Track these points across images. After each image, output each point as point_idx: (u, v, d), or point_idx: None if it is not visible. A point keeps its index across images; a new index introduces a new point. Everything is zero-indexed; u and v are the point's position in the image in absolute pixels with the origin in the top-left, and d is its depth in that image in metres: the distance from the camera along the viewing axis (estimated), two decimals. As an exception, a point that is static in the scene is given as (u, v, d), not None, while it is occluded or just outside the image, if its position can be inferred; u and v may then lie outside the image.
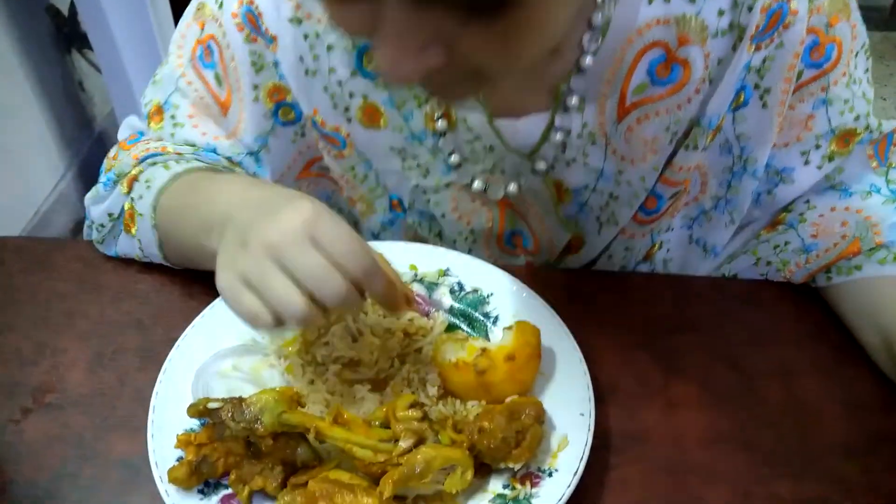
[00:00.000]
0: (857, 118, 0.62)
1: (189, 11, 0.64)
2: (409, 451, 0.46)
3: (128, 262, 0.66)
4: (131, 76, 1.75)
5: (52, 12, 1.85)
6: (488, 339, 0.57)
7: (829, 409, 0.56)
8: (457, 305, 0.60)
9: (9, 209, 1.71)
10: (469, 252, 0.65)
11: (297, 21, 0.58)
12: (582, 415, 0.50)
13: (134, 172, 0.62)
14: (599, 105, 0.59)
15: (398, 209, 0.68)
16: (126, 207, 0.62)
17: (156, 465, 0.47)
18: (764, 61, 0.58)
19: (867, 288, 0.61)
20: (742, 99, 0.60)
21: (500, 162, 0.62)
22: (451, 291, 0.61)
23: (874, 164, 0.64)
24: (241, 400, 0.46)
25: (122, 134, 0.69)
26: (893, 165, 0.65)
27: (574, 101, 0.58)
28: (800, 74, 0.59)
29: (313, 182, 0.69)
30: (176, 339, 0.56)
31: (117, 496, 0.49)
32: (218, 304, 0.58)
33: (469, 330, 0.59)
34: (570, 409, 0.51)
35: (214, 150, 0.64)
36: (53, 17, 1.86)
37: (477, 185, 0.63)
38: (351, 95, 0.61)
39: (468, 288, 0.61)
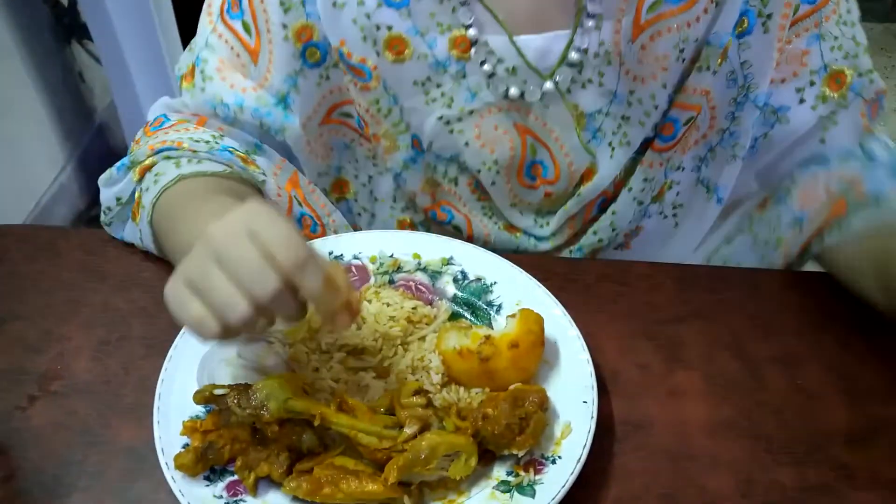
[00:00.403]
0: (846, 56, 0.65)
1: None
2: (413, 437, 0.46)
3: (132, 250, 0.66)
4: (131, 67, 1.75)
5: (52, 2, 1.85)
6: (492, 328, 0.58)
7: (830, 398, 0.56)
8: (460, 294, 0.61)
9: (9, 200, 1.71)
10: (492, 185, 0.67)
11: None
12: (585, 402, 0.51)
13: (147, 162, 0.63)
14: (616, 22, 0.61)
15: (419, 148, 0.68)
16: (136, 196, 0.63)
17: (162, 452, 0.47)
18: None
19: (859, 238, 0.62)
20: (746, 25, 0.63)
21: (522, 85, 0.64)
22: (455, 280, 0.61)
23: (865, 122, 0.69)
24: (247, 386, 0.46)
25: (152, 114, 0.70)
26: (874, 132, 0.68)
27: (592, 19, 0.61)
28: (796, 9, 0.62)
29: (335, 129, 0.70)
30: (180, 328, 0.56)
31: (123, 483, 0.49)
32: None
33: (472, 318, 0.59)
34: (572, 396, 0.51)
35: (241, 105, 0.65)
36: (53, 7, 1.85)
37: (513, 91, 0.64)
38: (377, 28, 0.62)
39: (471, 276, 0.61)
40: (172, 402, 0.50)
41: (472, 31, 0.61)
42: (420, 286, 0.61)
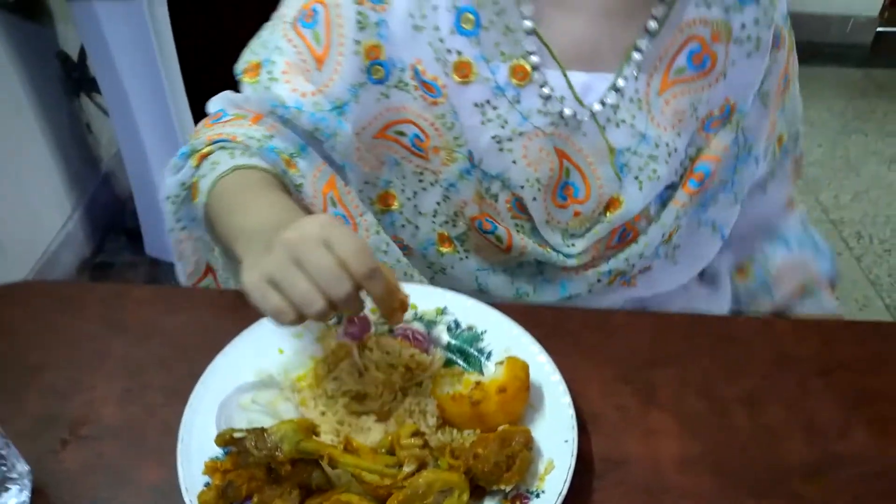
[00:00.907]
0: (790, 123, 0.83)
1: None
2: (411, 475, 0.52)
3: (150, 303, 0.72)
4: (138, 119, 1.81)
5: (62, 58, 1.93)
6: (482, 374, 0.63)
7: (791, 435, 0.62)
8: (453, 342, 0.66)
9: (19, 247, 1.77)
10: (533, 200, 0.75)
11: None
12: (566, 441, 0.56)
13: (205, 151, 0.70)
14: (648, 76, 0.73)
15: (472, 162, 0.75)
16: (193, 180, 0.70)
17: (186, 490, 0.52)
18: (770, 70, 0.76)
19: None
20: (754, 97, 0.76)
21: (567, 115, 0.72)
22: (449, 329, 0.67)
23: (791, 175, 0.88)
24: (262, 430, 0.52)
25: (212, 107, 0.78)
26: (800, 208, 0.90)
27: (634, 67, 0.72)
28: (780, 88, 0.78)
29: (387, 145, 0.76)
30: (197, 376, 0.61)
31: (148, 519, 0.55)
32: (236, 343, 0.64)
33: (465, 365, 0.65)
34: (555, 436, 0.57)
35: (300, 108, 0.72)
36: (63, 62, 1.93)
37: (558, 119, 0.72)
38: (449, 52, 0.70)
39: (464, 325, 0.67)
40: (193, 444, 0.56)
41: (531, 61, 0.70)
42: (417, 335, 0.67)
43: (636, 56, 0.71)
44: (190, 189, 0.71)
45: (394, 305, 0.55)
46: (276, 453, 0.51)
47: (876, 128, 2.89)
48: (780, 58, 0.76)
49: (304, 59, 0.73)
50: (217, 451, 0.55)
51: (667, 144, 0.74)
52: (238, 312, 0.68)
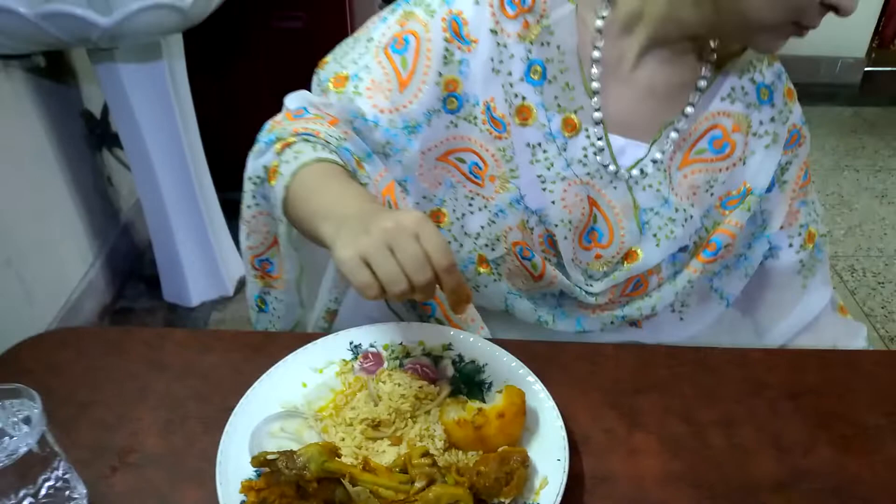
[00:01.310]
0: (815, 221, 0.93)
1: (388, 16, 0.83)
2: (422, 490, 0.59)
3: (186, 344, 0.80)
4: (157, 172, 1.90)
5: (86, 115, 2.04)
6: (484, 401, 0.71)
7: (761, 453, 0.69)
8: (458, 374, 0.74)
9: (44, 295, 1.85)
10: (564, 239, 0.84)
11: (494, 32, 0.78)
12: (559, 460, 0.63)
13: (290, 140, 0.77)
14: (674, 151, 0.83)
15: (520, 197, 0.84)
16: (273, 164, 0.77)
17: (225, 507, 0.60)
18: (788, 162, 0.87)
19: None
20: (770, 185, 0.87)
21: (604, 170, 0.83)
22: (453, 363, 0.75)
23: (829, 279, 0.97)
24: (292, 452, 0.59)
25: (292, 104, 0.86)
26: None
27: (671, 143, 0.83)
28: (802, 183, 0.89)
29: (446, 168, 0.84)
30: (230, 409, 0.69)
31: (191, 535, 0.62)
32: (264, 379, 0.72)
33: (468, 394, 0.73)
34: (549, 455, 0.64)
35: (377, 122, 0.81)
36: (87, 119, 2.05)
37: (596, 173, 0.82)
38: (515, 96, 0.80)
39: (467, 360, 0.75)
40: (230, 467, 0.63)
41: (579, 119, 0.81)
42: (425, 368, 0.75)
43: (673, 135, 0.83)
44: (269, 171, 0.78)
45: (461, 298, 0.64)
46: (304, 472, 0.58)
47: (867, 164, 2.99)
48: (802, 153, 0.88)
49: (389, 80, 0.81)
50: (250, 473, 0.63)
51: (684, 211, 0.84)
52: (264, 352, 0.77)
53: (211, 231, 2.06)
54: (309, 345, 0.76)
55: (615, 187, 0.83)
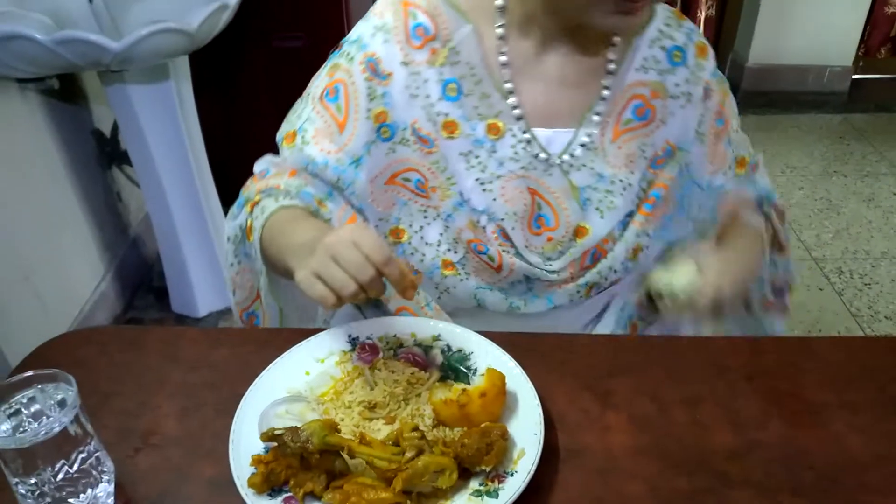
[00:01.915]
0: (739, 150, 1.02)
1: (321, 72, 0.95)
2: (412, 459, 0.66)
3: (198, 340, 0.88)
4: (166, 187, 1.99)
5: (97, 134, 2.13)
6: (469, 385, 0.78)
7: (719, 427, 0.76)
8: (446, 362, 0.82)
9: (58, 307, 1.93)
10: (512, 230, 0.92)
11: (405, 63, 0.89)
12: (535, 434, 0.71)
13: (256, 199, 0.88)
14: (602, 129, 0.92)
15: (463, 198, 0.92)
16: (248, 223, 0.88)
17: (238, 478, 0.67)
18: (702, 115, 0.95)
19: None
20: (692, 139, 0.96)
21: (535, 161, 0.91)
22: (442, 352, 0.83)
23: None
24: (296, 428, 0.67)
25: (257, 168, 0.97)
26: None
27: (593, 126, 0.91)
28: (715, 129, 0.98)
29: (395, 189, 0.94)
30: (240, 396, 0.77)
31: (207, 505, 0.69)
32: (271, 368, 0.79)
33: (455, 379, 0.80)
34: (526, 430, 0.72)
35: (326, 164, 0.92)
36: (97, 138, 2.13)
37: (528, 165, 0.91)
38: (438, 114, 0.90)
39: (454, 349, 0.83)
40: (241, 444, 0.71)
41: (501, 122, 0.90)
42: (416, 357, 0.82)
43: (595, 118, 0.91)
44: (245, 230, 0.89)
45: (405, 285, 0.74)
46: (308, 445, 0.66)
47: (855, 169, 3.06)
48: (711, 105, 0.96)
49: (329, 126, 0.92)
50: (260, 450, 0.70)
51: (621, 181, 0.92)
52: (270, 345, 0.84)
53: (217, 243, 2.14)
54: (311, 338, 0.84)
55: (550, 174, 0.92)
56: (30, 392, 0.66)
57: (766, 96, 3.55)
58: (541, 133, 0.91)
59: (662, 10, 0.94)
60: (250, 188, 0.93)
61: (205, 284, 2.17)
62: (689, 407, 0.79)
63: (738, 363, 0.84)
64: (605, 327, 1.01)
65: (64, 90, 1.94)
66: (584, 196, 0.92)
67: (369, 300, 0.79)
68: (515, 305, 0.97)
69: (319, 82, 0.95)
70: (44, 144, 1.89)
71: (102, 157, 2.16)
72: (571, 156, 0.91)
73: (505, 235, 0.93)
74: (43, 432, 0.62)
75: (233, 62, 2.29)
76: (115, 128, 2.14)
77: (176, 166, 1.98)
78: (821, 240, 2.63)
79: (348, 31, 0.94)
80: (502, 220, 0.92)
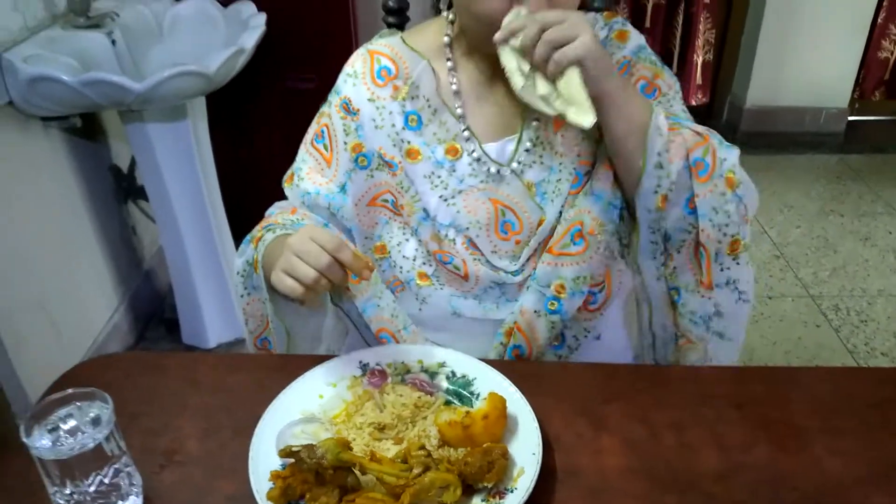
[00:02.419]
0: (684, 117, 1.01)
1: (314, 121, 1.08)
2: (419, 475, 0.71)
3: (216, 365, 0.94)
4: (180, 221, 2.06)
5: (114, 170, 2.21)
6: (472, 408, 0.84)
7: (706, 450, 0.81)
8: (451, 387, 0.87)
9: (73, 337, 1.99)
10: (477, 237, 1.00)
11: (371, 100, 1.02)
12: (534, 454, 0.76)
13: (259, 235, 0.98)
14: (544, 124, 1.00)
15: (427, 214, 1.02)
16: (254, 258, 0.96)
17: (257, 492, 0.72)
18: None
19: None
20: None
21: (491, 173, 1.00)
22: (447, 377, 0.88)
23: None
24: (312, 445, 0.72)
25: (267, 213, 1.09)
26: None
27: (532, 130, 0.99)
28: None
29: (376, 210, 1.04)
30: (257, 418, 0.82)
31: (227, 518, 0.74)
32: (286, 392, 0.85)
33: (459, 403, 0.85)
34: (526, 450, 0.77)
35: (318, 192, 1.05)
36: (115, 174, 2.21)
37: (485, 178, 1.00)
38: (402, 141, 1.01)
39: (459, 374, 0.88)
40: (260, 462, 0.76)
41: (458, 143, 1.01)
42: (423, 382, 0.88)
43: (534, 124, 1.00)
44: (252, 264, 0.97)
45: (360, 266, 0.84)
46: (322, 461, 0.71)
47: (851, 209, 3.12)
48: (635, 77, 1.00)
49: (319, 163, 1.06)
50: (277, 467, 0.75)
51: (568, 165, 1.00)
52: (284, 371, 0.90)
53: (228, 275, 2.21)
54: (324, 363, 0.89)
55: (508, 183, 1.01)
56: (68, 409, 0.71)
57: (764, 137, 3.64)
58: (491, 148, 1.01)
59: (590, 16, 1.04)
60: (255, 229, 1.03)
61: (215, 316, 2.23)
62: (677, 432, 0.84)
63: (724, 391, 0.89)
64: (530, 294, 1.01)
65: (85, 128, 2.03)
66: (540, 191, 1.00)
67: (334, 287, 0.86)
68: (489, 308, 1.04)
69: (310, 129, 1.09)
70: (64, 179, 1.97)
71: (119, 192, 2.24)
72: (519, 162, 1.00)
73: (473, 244, 1.02)
74: (80, 446, 0.68)
75: (247, 102, 2.39)
76: (132, 164, 2.21)
77: (190, 202, 2.05)
78: (818, 278, 2.68)
79: None
80: (467, 229, 1.01)
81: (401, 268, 1.04)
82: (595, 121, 0.85)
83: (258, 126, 2.46)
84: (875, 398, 0.88)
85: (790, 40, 3.45)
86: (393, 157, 1.01)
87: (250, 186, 2.46)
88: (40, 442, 0.68)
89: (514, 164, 1.00)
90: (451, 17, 1.03)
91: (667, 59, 3.55)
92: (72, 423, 0.71)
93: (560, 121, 0.96)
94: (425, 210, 1.01)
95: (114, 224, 2.22)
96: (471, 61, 1.02)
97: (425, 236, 1.02)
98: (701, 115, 3.76)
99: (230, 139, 2.42)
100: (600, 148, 0.99)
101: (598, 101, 0.87)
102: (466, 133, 1.01)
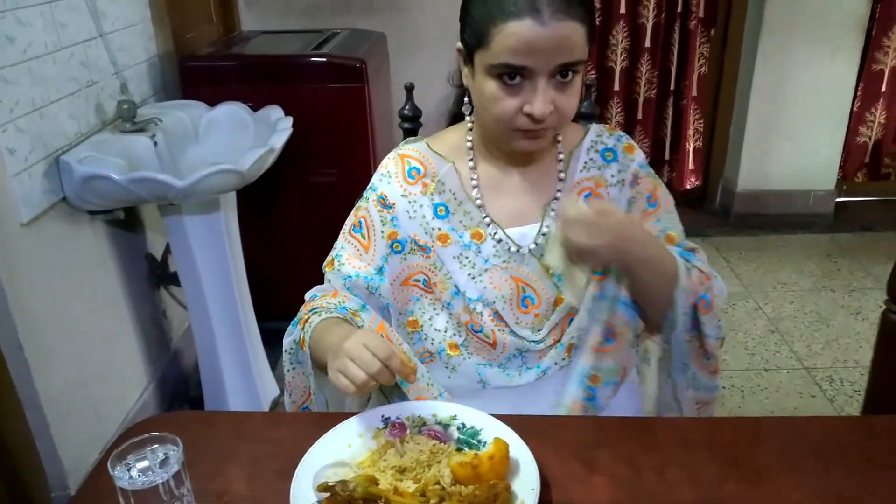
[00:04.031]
0: (671, 229, 1.21)
1: (351, 213, 1.25)
2: (435, 506, 0.85)
3: (262, 422, 1.08)
4: (209, 305, 2.22)
5: (149, 258, 2.40)
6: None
7: (683, 487, 0.94)
8: (462, 437, 1.01)
9: (107, 414, 2.12)
10: (502, 310, 1.15)
11: (404, 195, 1.19)
12: (532, 489, 0.89)
13: (306, 317, 1.13)
14: (561, 216, 1.09)
15: (458, 290, 1.17)
16: (301, 337, 1.11)
17: (299, 523, 0.86)
18: (633, 197, 1.20)
19: None
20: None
21: (513, 254, 1.16)
22: (458, 428, 1.02)
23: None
24: (345, 481, 0.86)
25: (308, 296, 1.23)
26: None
27: (552, 213, 1.16)
28: (646, 209, 1.21)
29: (410, 289, 1.20)
30: (296, 464, 0.96)
31: (272, 547, 0.87)
32: (320, 441, 0.99)
33: (468, 450, 0.99)
34: (526, 486, 0.90)
35: (357, 275, 1.20)
36: (150, 261, 2.40)
37: (508, 258, 1.16)
38: (432, 228, 1.17)
39: (468, 426, 1.02)
40: (299, 498, 0.89)
41: (481, 229, 1.17)
42: (437, 433, 1.02)
43: (552, 213, 1.16)
44: (299, 343, 1.13)
45: (407, 372, 0.98)
46: (354, 494, 0.85)
47: (842, 285, 3.27)
48: (642, 188, 1.20)
49: (357, 250, 1.22)
50: (314, 500, 0.89)
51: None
52: (318, 425, 1.04)
53: (252, 356, 2.35)
54: (352, 418, 1.04)
55: (527, 263, 1.17)
56: (145, 451, 0.86)
57: (757, 218, 3.82)
58: (513, 232, 1.17)
59: (595, 126, 1.24)
60: (301, 311, 1.20)
61: (238, 394, 2.36)
62: (658, 472, 0.97)
63: (700, 437, 1.03)
64: (573, 385, 1.18)
65: (126, 220, 2.23)
66: (556, 273, 1.16)
67: (382, 387, 1.01)
68: (511, 376, 1.18)
69: (349, 220, 1.26)
70: (105, 267, 2.15)
71: (152, 279, 2.41)
72: (537, 244, 1.16)
73: (499, 316, 1.17)
74: (150, 482, 0.82)
75: (273, 195, 2.59)
76: (165, 253, 2.40)
77: (220, 286, 2.22)
78: (812, 350, 2.80)
79: (374, 169, 1.24)
80: (494, 303, 1.17)
81: (432, 340, 1.20)
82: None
83: (283, 217, 2.66)
84: (830, 441, 1.01)
85: (776, 128, 3.68)
86: (426, 242, 1.17)
87: (274, 272, 2.66)
88: (122, 474, 0.82)
89: (533, 246, 1.16)
90: (469, 125, 1.21)
91: (659, 148, 3.78)
92: (143, 464, 0.86)
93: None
94: (456, 286, 1.17)
95: (147, 308, 2.38)
96: (488, 159, 1.20)
97: (457, 309, 1.17)
98: (695, 198, 3.98)
99: (257, 230, 2.62)
100: None
101: (629, 270, 1.11)
102: (487, 219, 1.17)
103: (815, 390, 2.57)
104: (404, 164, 1.21)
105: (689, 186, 3.83)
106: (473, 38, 1.06)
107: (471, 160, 1.20)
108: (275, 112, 2.28)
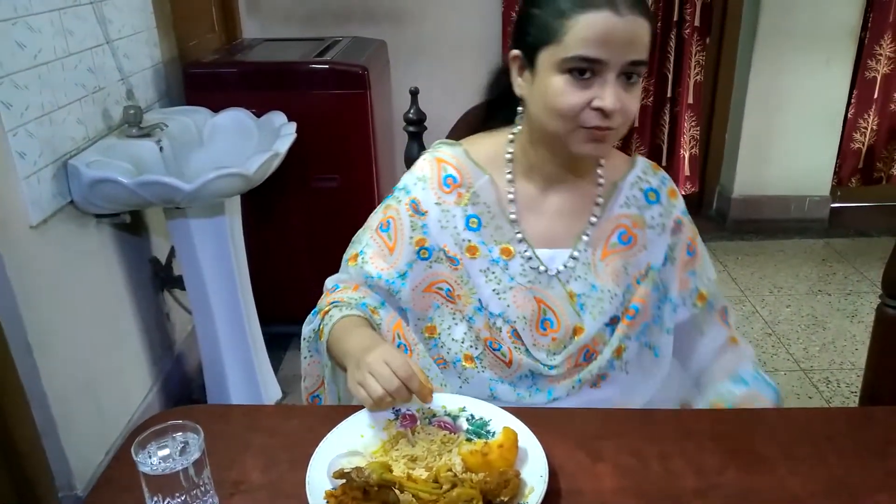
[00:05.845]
0: (706, 285, 1.24)
1: (378, 209, 1.25)
2: (447, 491, 0.87)
3: (275, 414, 1.10)
4: (213, 308, 2.24)
5: (154, 262, 2.42)
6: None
7: (686, 473, 0.97)
8: (470, 427, 1.04)
9: (111, 417, 2.14)
10: (522, 329, 1.16)
11: (438, 204, 1.18)
12: (541, 476, 0.92)
13: (326, 309, 1.15)
14: (593, 249, 1.18)
15: (481, 305, 1.17)
16: (320, 327, 1.14)
17: (314, 509, 0.88)
18: (674, 244, 1.21)
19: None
20: (663, 262, 1.20)
21: (539, 275, 1.17)
22: (467, 419, 1.05)
23: (721, 322, 1.27)
24: (360, 468, 0.89)
25: (328, 284, 1.25)
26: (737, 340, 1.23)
27: (584, 245, 1.18)
28: (685, 258, 1.22)
29: (431, 296, 1.20)
30: (310, 455, 0.98)
31: (288, 533, 0.90)
32: (334, 432, 1.01)
33: (476, 439, 1.02)
34: (534, 474, 0.93)
35: (380, 277, 1.20)
36: (154, 265, 2.42)
37: (534, 278, 1.17)
38: (463, 240, 1.17)
39: (477, 417, 1.05)
40: (314, 485, 0.92)
41: (512, 246, 1.17)
42: (447, 424, 1.04)
43: (585, 238, 1.17)
44: (317, 332, 1.15)
45: (424, 393, 1.01)
46: (369, 479, 0.87)
47: (838, 288, 3.30)
48: (682, 237, 1.22)
49: (382, 250, 1.21)
50: (329, 487, 0.91)
51: (609, 291, 1.17)
52: (329, 418, 1.06)
53: (255, 358, 2.38)
54: (363, 410, 1.06)
55: (552, 286, 1.17)
56: (164, 440, 0.88)
57: (753, 224, 3.86)
58: (543, 253, 1.17)
59: (641, 161, 1.24)
60: (322, 301, 1.22)
61: (241, 396, 2.38)
62: (662, 460, 1.00)
63: (703, 427, 1.06)
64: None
65: (132, 223, 2.25)
66: (580, 302, 1.17)
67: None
68: (521, 396, 1.20)
69: (376, 217, 1.24)
70: (110, 270, 2.17)
71: (156, 282, 2.43)
72: (565, 267, 1.17)
73: (517, 335, 1.18)
74: (171, 468, 0.84)
75: (276, 200, 2.62)
76: (169, 256, 2.42)
77: (223, 288, 2.24)
78: (808, 353, 2.83)
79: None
80: (514, 322, 1.17)
81: (448, 349, 1.20)
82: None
83: (286, 221, 2.68)
84: (826, 432, 1.05)
85: (771, 134, 3.73)
86: (456, 254, 1.17)
87: (277, 276, 2.68)
88: (145, 460, 0.85)
89: (561, 268, 1.17)
90: (510, 136, 1.20)
91: (656, 155, 3.82)
92: (165, 451, 0.88)
93: (607, 250, 1.18)
94: (480, 301, 1.17)
95: (151, 311, 2.41)
96: (528, 176, 1.19)
97: (479, 324, 1.17)
98: (692, 204, 3.99)
99: (260, 233, 2.65)
100: (640, 289, 1.19)
101: None
102: (520, 236, 1.17)
103: (813, 392, 2.60)
104: (440, 169, 1.20)
105: (685, 193, 3.87)
106: (541, 34, 1.04)
107: (509, 173, 1.19)
108: (278, 118, 2.32)
